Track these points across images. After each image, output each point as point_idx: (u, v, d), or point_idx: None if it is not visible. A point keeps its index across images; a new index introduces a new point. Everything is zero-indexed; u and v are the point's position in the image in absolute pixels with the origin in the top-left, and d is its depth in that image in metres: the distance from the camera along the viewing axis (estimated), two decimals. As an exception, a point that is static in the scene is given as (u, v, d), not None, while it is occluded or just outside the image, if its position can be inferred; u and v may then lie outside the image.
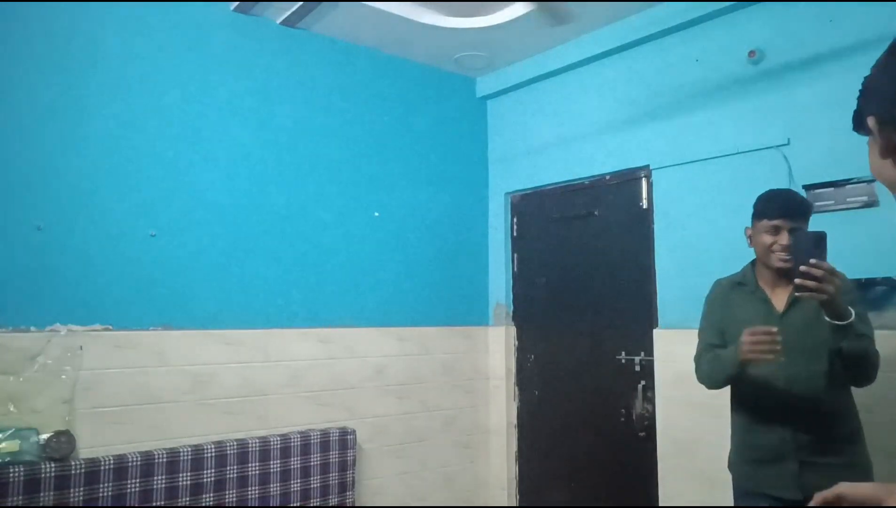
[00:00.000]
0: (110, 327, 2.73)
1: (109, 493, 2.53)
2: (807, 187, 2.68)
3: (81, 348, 2.64)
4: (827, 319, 1.80)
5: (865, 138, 0.99)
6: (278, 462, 2.99)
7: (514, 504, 3.90)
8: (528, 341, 3.94)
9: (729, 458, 2.21)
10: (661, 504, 3.10)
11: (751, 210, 3.00)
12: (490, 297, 4.08)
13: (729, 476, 2.22)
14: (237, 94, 3.16)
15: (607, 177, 3.52)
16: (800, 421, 1.99)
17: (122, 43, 2.85)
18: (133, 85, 2.87)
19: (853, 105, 0.97)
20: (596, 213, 3.61)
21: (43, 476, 2.39)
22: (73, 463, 2.47)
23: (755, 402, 2.09)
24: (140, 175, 2.86)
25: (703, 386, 2.24)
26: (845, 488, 1.04)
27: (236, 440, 2.92)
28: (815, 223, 2.66)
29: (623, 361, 3.40)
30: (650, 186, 3.29)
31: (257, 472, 2.92)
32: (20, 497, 2.33)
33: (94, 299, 2.71)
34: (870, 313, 2.49)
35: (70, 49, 2.72)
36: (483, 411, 3.99)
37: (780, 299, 2.11)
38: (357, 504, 3.30)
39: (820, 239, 1.86)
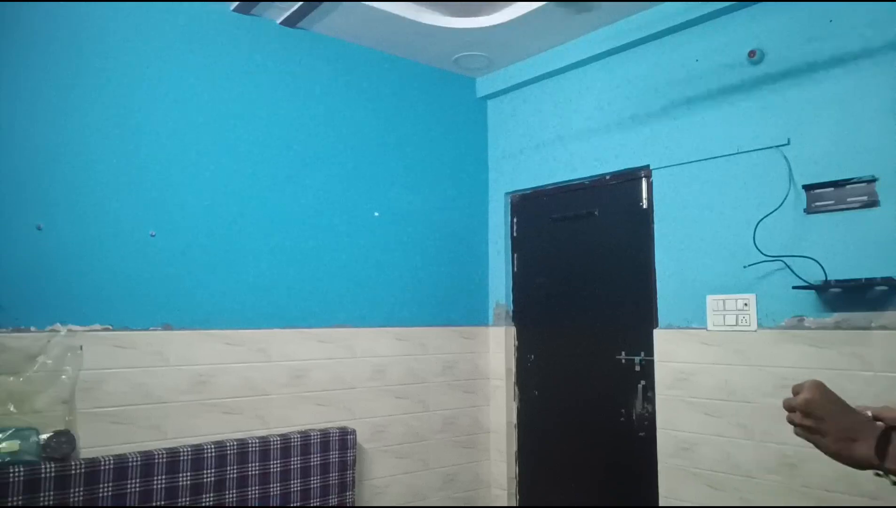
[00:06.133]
0: (110, 327, 2.73)
1: (109, 493, 2.53)
2: (807, 187, 2.68)
3: (81, 348, 2.64)
4: None
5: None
6: (278, 462, 2.99)
7: (514, 504, 3.90)
8: (528, 341, 3.94)
9: None
10: (661, 505, 3.10)
11: (750, 210, 3.00)
12: (490, 297, 4.08)
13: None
14: (237, 93, 3.16)
15: (607, 177, 3.52)
16: None
17: (122, 43, 2.85)
18: (133, 85, 2.87)
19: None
20: (596, 213, 3.62)
21: (43, 476, 2.39)
22: (73, 463, 2.47)
23: None
24: (140, 175, 2.86)
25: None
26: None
27: (236, 440, 2.92)
28: (815, 223, 2.67)
29: (623, 361, 3.40)
30: (650, 186, 3.29)
31: (257, 472, 2.92)
32: (20, 497, 2.33)
33: (94, 299, 2.71)
34: (870, 313, 2.50)
35: (70, 49, 2.72)
36: (483, 411, 3.99)
37: None
38: (357, 504, 3.30)
39: None
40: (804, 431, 1.03)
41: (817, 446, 1.02)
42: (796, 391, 1.05)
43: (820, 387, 1.03)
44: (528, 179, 3.92)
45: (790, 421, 1.05)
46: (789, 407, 1.05)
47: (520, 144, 3.97)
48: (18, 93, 2.61)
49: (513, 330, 3.99)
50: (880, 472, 0.99)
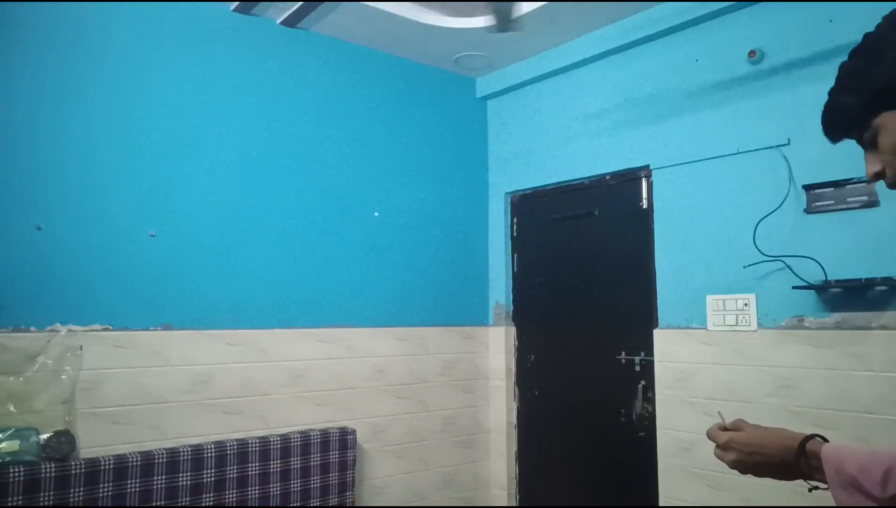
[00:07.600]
0: (110, 327, 2.73)
1: (109, 493, 2.53)
2: (807, 187, 2.68)
3: (81, 348, 2.64)
4: None
5: None
6: (278, 462, 2.99)
7: (514, 504, 3.90)
8: (528, 341, 3.94)
9: None
10: (661, 504, 3.10)
11: (750, 210, 2.99)
12: (490, 297, 4.08)
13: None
14: (237, 93, 3.15)
15: (607, 177, 3.52)
16: None
17: (123, 43, 2.85)
18: (133, 85, 2.87)
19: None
20: (596, 213, 3.62)
21: (43, 476, 2.39)
22: (73, 463, 2.47)
23: None
24: (140, 175, 2.86)
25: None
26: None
27: (236, 440, 2.92)
28: (815, 223, 2.67)
29: (623, 361, 3.40)
30: (650, 186, 3.29)
31: (257, 472, 2.92)
32: (20, 497, 2.33)
33: (94, 299, 2.71)
34: (870, 313, 2.50)
35: (70, 49, 2.72)
36: (483, 411, 3.99)
37: None
38: (357, 504, 3.30)
39: None
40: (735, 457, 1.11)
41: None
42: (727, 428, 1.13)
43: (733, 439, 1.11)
44: (528, 179, 3.92)
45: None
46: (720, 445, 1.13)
47: (520, 144, 3.97)
48: (18, 93, 2.61)
49: (513, 330, 3.99)
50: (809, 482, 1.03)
